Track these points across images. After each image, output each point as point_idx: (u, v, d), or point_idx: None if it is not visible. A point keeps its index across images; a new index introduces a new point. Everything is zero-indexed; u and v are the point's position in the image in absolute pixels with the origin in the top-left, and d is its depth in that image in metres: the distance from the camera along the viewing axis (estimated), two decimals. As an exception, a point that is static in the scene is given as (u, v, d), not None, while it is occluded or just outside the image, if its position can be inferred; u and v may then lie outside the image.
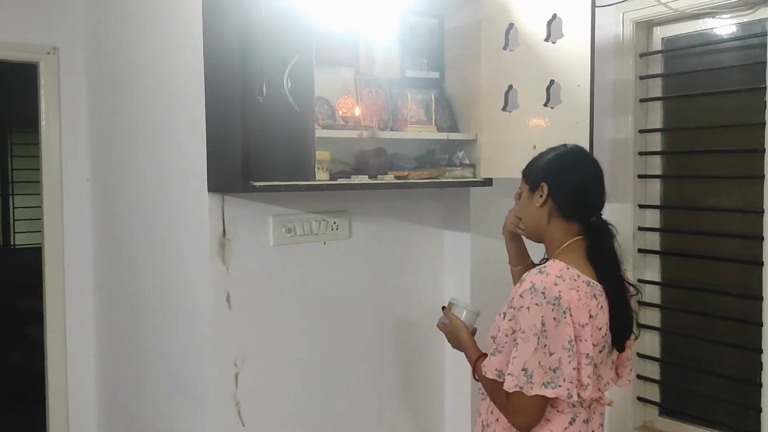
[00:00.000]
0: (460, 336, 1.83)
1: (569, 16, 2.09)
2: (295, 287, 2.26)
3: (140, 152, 2.49)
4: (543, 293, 1.52)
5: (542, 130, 2.18)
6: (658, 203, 2.64)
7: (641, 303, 2.65)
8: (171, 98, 2.26)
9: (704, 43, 2.49)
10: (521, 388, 1.53)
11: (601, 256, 1.63)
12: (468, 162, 2.41)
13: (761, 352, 2.25)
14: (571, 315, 1.52)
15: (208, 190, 2.06)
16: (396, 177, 2.26)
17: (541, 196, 1.67)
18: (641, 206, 2.64)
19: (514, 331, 1.57)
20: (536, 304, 1.52)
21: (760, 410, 2.27)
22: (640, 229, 2.65)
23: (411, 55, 2.45)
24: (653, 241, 2.65)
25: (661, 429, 2.67)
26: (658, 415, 2.69)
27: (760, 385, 2.26)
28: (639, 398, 2.68)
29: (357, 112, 2.28)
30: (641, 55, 2.60)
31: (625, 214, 2.64)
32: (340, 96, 2.28)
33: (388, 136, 2.30)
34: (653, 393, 2.69)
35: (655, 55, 2.61)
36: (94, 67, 2.79)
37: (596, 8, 2.09)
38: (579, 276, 1.57)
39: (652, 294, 2.67)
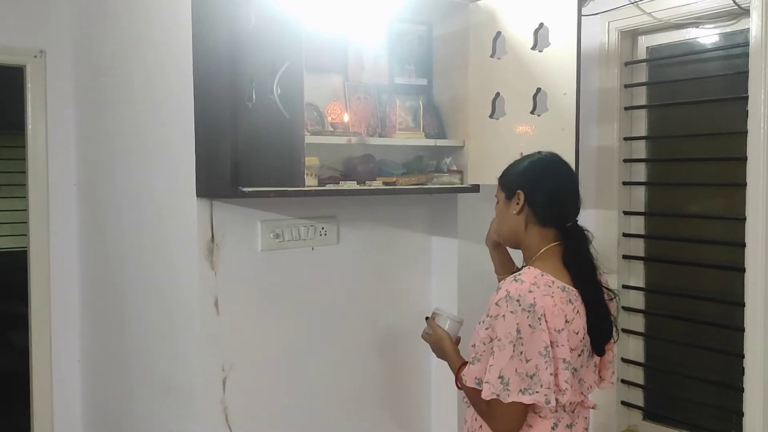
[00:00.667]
0: (443, 345, 1.84)
1: (556, 25, 2.11)
2: (283, 292, 2.26)
3: (128, 156, 2.48)
4: (518, 301, 1.54)
5: (529, 138, 2.20)
6: (642, 210, 2.67)
7: (625, 308, 2.68)
8: (160, 103, 2.26)
9: (688, 53, 2.53)
10: (498, 395, 1.55)
11: (576, 262, 1.65)
12: (455, 168, 2.43)
13: (743, 357, 2.28)
14: (546, 321, 1.54)
15: (197, 195, 2.06)
16: (384, 183, 2.27)
17: (517, 203, 1.70)
18: (626, 213, 2.67)
19: (491, 339, 1.58)
20: (511, 312, 1.54)
21: (742, 414, 2.30)
22: (625, 235, 2.68)
23: (399, 61, 2.47)
24: (638, 247, 2.68)
25: (645, 433, 2.70)
26: (642, 420, 2.72)
27: (743, 389, 2.29)
28: (623, 403, 2.71)
29: (346, 118, 2.30)
30: (626, 64, 2.63)
31: (610, 221, 2.66)
32: (329, 102, 2.29)
33: (376, 142, 2.31)
34: (637, 397, 2.71)
35: (639, 64, 2.64)
36: (82, 70, 2.78)
37: (582, 17, 2.12)
38: (554, 282, 1.59)
39: (637, 299, 2.70)
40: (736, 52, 2.36)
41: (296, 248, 2.27)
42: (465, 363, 1.73)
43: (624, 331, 2.69)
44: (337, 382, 2.39)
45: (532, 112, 2.20)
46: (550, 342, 1.54)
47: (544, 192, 1.69)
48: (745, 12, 2.23)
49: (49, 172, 2.82)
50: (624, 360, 2.70)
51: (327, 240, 2.35)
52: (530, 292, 1.55)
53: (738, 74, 2.30)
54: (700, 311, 2.53)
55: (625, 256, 2.68)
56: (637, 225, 2.69)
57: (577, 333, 1.60)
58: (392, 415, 2.56)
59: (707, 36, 2.45)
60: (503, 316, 1.55)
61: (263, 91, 1.79)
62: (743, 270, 2.27)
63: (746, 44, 2.24)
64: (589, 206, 2.71)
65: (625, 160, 2.66)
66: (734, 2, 2.23)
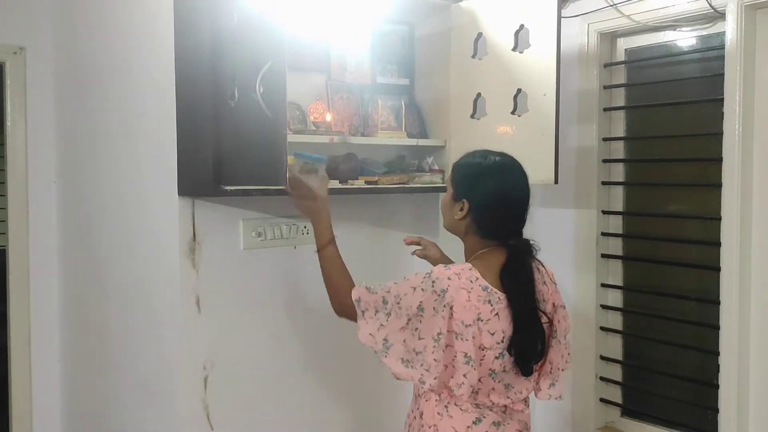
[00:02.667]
0: (320, 210, 1.86)
1: (536, 26, 2.14)
2: (264, 291, 2.26)
3: (109, 155, 2.47)
4: (433, 282, 1.59)
5: (509, 138, 2.23)
6: (620, 209, 2.71)
7: (604, 307, 2.72)
8: (141, 102, 2.26)
9: (665, 55, 2.57)
10: (376, 352, 1.66)
11: (513, 281, 1.64)
12: (437, 168, 2.45)
13: (719, 354, 2.32)
14: (452, 311, 1.57)
15: (179, 194, 2.05)
16: (366, 182, 2.28)
17: (461, 210, 1.70)
18: (604, 212, 2.71)
19: (396, 296, 1.64)
20: (422, 290, 1.60)
21: (717, 411, 2.34)
22: (604, 234, 2.71)
23: (382, 61, 2.49)
24: (616, 246, 2.72)
25: (622, 430, 2.73)
26: (620, 416, 2.75)
27: (718, 386, 2.34)
28: (602, 399, 2.74)
29: (328, 117, 2.31)
30: (605, 66, 2.66)
31: (589, 220, 2.70)
32: (311, 101, 2.31)
33: (358, 141, 2.32)
34: (615, 394, 2.75)
35: (618, 66, 2.67)
36: (62, 67, 2.76)
37: (562, 19, 2.16)
38: (477, 279, 1.60)
39: (615, 298, 2.74)
40: (712, 54, 2.40)
41: (278, 247, 2.28)
42: (333, 240, 1.84)
43: (602, 329, 2.72)
44: (318, 381, 2.40)
45: (512, 113, 2.23)
46: (455, 333, 1.58)
47: (489, 211, 1.68)
48: (720, 15, 2.27)
49: (28, 169, 2.80)
50: (602, 357, 2.73)
51: (309, 239, 2.33)
52: (449, 279, 1.59)
53: (714, 76, 2.34)
54: (676, 309, 2.57)
55: (603, 255, 2.71)
56: (616, 224, 2.72)
57: (493, 334, 1.60)
58: (375, 414, 2.57)
59: (684, 39, 2.49)
60: (414, 288, 1.61)
61: (246, 89, 1.79)
62: (718, 269, 2.31)
63: (722, 47, 2.28)
64: (569, 206, 2.74)
65: (604, 161, 2.69)
66: (710, 6, 2.26)
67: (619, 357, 2.73)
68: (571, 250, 2.74)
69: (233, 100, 1.84)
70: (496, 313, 1.60)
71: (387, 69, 2.50)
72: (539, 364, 1.73)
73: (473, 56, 2.34)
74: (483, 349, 1.60)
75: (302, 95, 2.28)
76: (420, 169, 2.46)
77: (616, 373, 2.74)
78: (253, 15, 1.78)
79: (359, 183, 2.26)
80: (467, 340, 1.58)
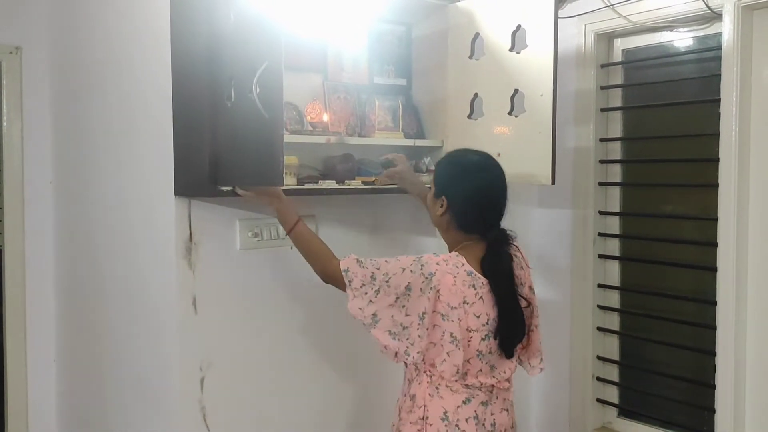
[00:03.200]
0: (277, 193, 1.91)
1: (533, 27, 2.14)
2: (261, 291, 2.26)
3: (105, 155, 2.46)
4: (422, 266, 1.71)
5: (506, 138, 2.23)
6: (617, 210, 2.71)
7: (601, 307, 2.72)
8: (138, 102, 2.25)
9: (662, 56, 2.57)
10: (364, 324, 1.76)
11: (493, 271, 1.75)
12: (434, 168, 2.45)
13: (715, 354, 2.33)
14: (438, 293, 1.69)
15: (175, 194, 2.05)
16: (363, 182, 2.28)
17: (441, 206, 1.82)
18: (601, 213, 2.71)
19: (386, 274, 1.72)
20: (411, 272, 1.71)
21: (713, 411, 2.35)
22: (601, 235, 2.71)
23: (379, 62, 2.49)
24: (613, 246, 2.72)
25: (619, 430, 2.73)
26: (616, 416, 2.76)
27: (714, 386, 2.34)
28: (598, 400, 2.75)
29: (325, 117, 2.31)
30: (602, 66, 2.66)
31: (586, 221, 2.70)
32: (308, 101, 2.30)
33: (355, 141, 2.32)
34: (612, 395, 2.75)
35: (615, 66, 2.68)
36: (58, 67, 2.75)
37: (559, 20, 2.16)
38: (463, 264, 1.74)
39: (612, 298, 2.74)
40: (709, 55, 2.40)
41: (275, 247, 2.27)
42: (300, 219, 1.90)
43: (599, 329, 2.73)
44: (315, 382, 2.40)
45: (509, 113, 2.23)
46: (441, 314, 1.69)
47: (464, 207, 1.79)
48: (717, 16, 2.28)
49: (24, 169, 2.79)
50: (599, 358, 2.73)
51: (306, 239, 2.34)
52: (437, 264, 1.71)
53: (711, 77, 2.35)
54: (673, 310, 2.57)
55: (600, 256, 2.72)
56: (613, 225, 2.72)
57: (478, 317, 1.72)
58: (373, 416, 2.57)
59: (681, 39, 2.50)
60: (404, 269, 1.72)
61: (242, 89, 1.79)
62: (715, 269, 2.31)
63: (719, 48, 2.28)
64: (566, 206, 2.74)
65: (601, 161, 2.70)
66: (707, 6, 2.27)
67: (616, 357, 2.74)
68: (568, 250, 2.75)
69: (230, 100, 1.83)
70: (480, 297, 1.72)
71: (384, 69, 2.50)
72: (522, 345, 1.85)
73: (470, 56, 2.34)
74: (470, 331, 1.71)
75: (299, 95, 2.28)
76: (417, 170, 2.45)
77: (613, 373, 2.75)
78: (251, 15, 1.78)
79: (356, 183, 2.26)
80: (453, 321, 1.69)
